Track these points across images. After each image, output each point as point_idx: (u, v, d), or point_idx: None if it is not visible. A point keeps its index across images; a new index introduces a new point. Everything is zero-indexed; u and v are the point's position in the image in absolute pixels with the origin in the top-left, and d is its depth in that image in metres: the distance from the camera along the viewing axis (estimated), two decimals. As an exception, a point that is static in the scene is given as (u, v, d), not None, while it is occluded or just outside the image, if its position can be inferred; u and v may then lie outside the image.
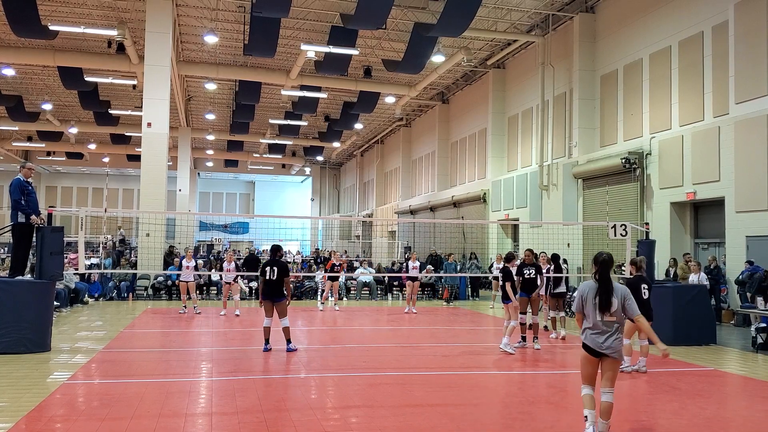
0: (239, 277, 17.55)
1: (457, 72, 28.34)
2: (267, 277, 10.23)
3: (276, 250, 10.66)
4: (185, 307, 16.08)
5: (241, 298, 19.05)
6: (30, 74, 29.73)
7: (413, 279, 17.85)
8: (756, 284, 12.69)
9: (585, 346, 5.48)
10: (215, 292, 21.57)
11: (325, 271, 18.39)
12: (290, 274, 10.48)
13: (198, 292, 20.86)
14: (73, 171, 53.20)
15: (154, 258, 19.96)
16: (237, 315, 15.87)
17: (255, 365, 9.23)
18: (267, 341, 10.26)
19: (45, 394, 7.02)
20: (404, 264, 24.12)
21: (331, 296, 18.73)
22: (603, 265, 5.49)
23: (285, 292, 10.28)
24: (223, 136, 40.52)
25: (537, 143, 22.84)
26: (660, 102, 17.52)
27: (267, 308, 10.32)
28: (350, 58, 23.00)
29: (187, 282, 16.02)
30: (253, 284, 21.43)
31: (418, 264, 18.19)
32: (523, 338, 11.20)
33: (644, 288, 8.78)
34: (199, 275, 19.61)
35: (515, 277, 11.02)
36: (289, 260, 26.73)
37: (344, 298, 21.26)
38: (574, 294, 16.86)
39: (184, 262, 16.20)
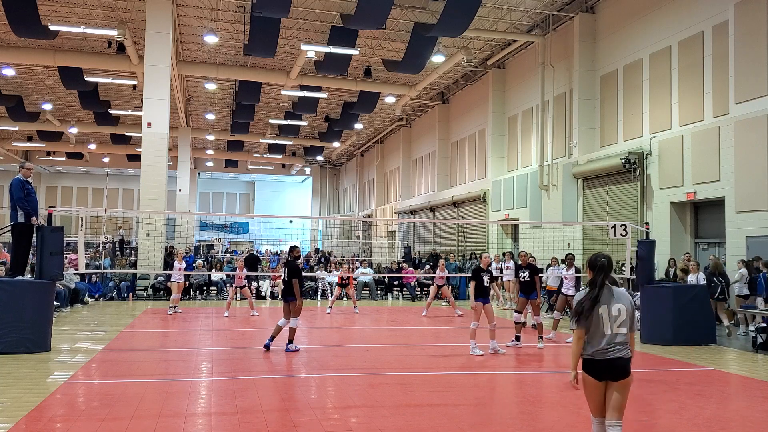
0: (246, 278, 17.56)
1: (457, 72, 28.33)
2: (283, 278, 10.37)
3: (290, 250, 10.78)
4: (172, 306, 16.06)
5: (242, 298, 19.07)
6: (30, 74, 29.73)
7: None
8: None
9: (586, 363, 4.51)
10: (215, 292, 21.59)
11: (339, 284, 18.27)
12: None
13: (198, 292, 20.95)
14: (73, 171, 53.18)
15: (154, 258, 19.96)
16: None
17: (255, 365, 9.23)
18: (272, 338, 10.31)
19: (45, 394, 7.02)
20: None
21: (348, 298, 19.03)
22: (602, 270, 4.55)
23: (295, 294, 10.27)
24: (223, 136, 40.51)
25: (537, 143, 22.84)
26: (660, 102, 17.51)
27: (284, 308, 10.47)
28: (350, 58, 23.00)
29: (178, 282, 16.14)
30: (253, 284, 21.46)
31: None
32: (517, 338, 11.21)
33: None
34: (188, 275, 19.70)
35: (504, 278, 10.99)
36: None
37: (344, 299, 21.25)
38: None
39: (176, 263, 16.30)
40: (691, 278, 12.99)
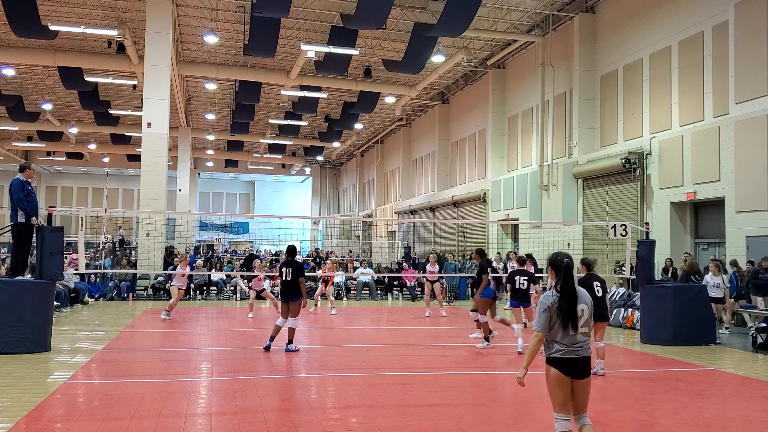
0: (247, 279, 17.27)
1: (457, 72, 28.33)
2: (283, 278, 10.30)
3: (291, 250, 10.73)
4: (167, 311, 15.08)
5: (242, 298, 19.08)
6: (30, 74, 29.73)
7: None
8: (751, 278, 12.90)
9: (555, 362, 4.48)
10: (215, 292, 21.57)
11: (323, 281, 17.73)
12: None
13: (198, 292, 20.95)
14: (73, 171, 53.18)
15: (154, 258, 19.95)
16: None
17: (255, 365, 9.23)
18: (272, 338, 10.29)
19: (45, 394, 7.02)
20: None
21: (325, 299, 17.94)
22: (568, 270, 4.49)
23: (300, 293, 10.25)
24: (223, 136, 40.52)
25: (537, 143, 22.84)
26: (660, 102, 17.51)
27: (283, 309, 10.39)
28: (350, 58, 23.00)
29: (179, 288, 15.16)
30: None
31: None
32: (486, 339, 11.08)
33: (597, 285, 8.57)
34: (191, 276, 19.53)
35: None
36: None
37: (344, 299, 21.27)
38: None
39: (179, 269, 15.32)
40: (716, 280, 13.00)
